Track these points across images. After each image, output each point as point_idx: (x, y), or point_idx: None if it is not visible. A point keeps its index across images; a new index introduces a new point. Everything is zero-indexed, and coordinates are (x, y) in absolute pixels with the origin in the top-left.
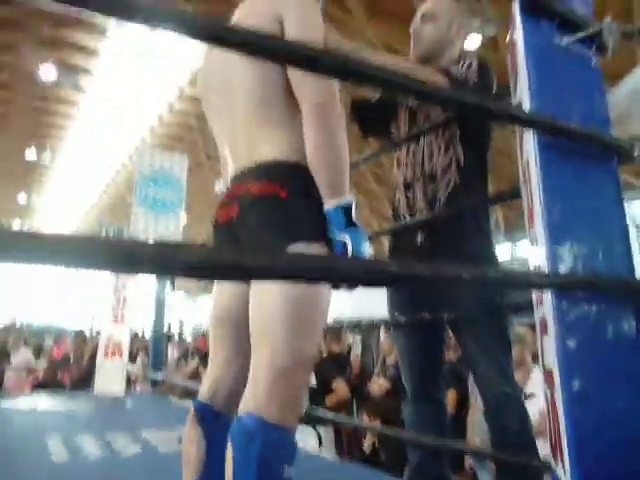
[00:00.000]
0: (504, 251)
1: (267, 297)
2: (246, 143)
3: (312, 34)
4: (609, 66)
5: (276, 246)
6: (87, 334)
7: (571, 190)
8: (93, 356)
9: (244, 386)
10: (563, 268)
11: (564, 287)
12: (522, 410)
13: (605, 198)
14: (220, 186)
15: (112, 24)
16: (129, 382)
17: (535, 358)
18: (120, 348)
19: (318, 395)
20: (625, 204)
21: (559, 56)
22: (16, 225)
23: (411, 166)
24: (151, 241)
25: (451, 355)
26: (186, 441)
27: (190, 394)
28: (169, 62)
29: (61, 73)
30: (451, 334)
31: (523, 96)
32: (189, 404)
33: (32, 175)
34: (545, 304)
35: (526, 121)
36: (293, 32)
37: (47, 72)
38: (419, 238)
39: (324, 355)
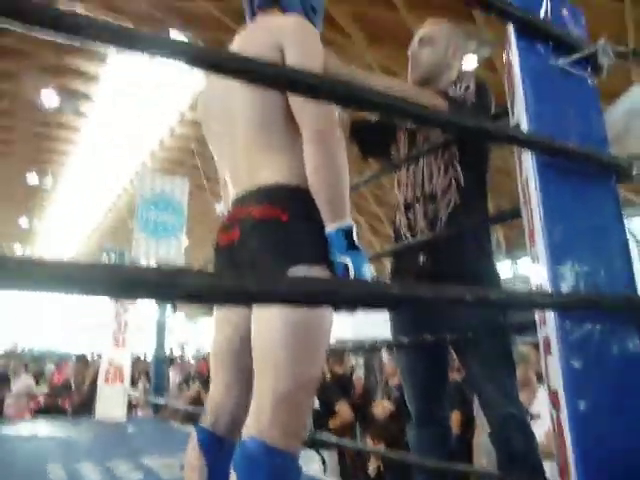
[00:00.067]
0: (505, 269)
1: (268, 322)
2: (247, 168)
3: (312, 61)
4: (605, 85)
5: (278, 269)
6: (89, 358)
7: (571, 209)
8: (94, 381)
9: (246, 411)
10: (565, 287)
11: (567, 307)
12: (528, 431)
13: (605, 216)
14: (221, 208)
15: (112, 50)
16: (130, 407)
17: (540, 378)
18: (121, 373)
19: (321, 418)
20: (625, 221)
21: (555, 77)
22: (17, 249)
23: (411, 187)
24: (152, 267)
25: (455, 376)
26: (188, 468)
27: (192, 419)
28: (170, 87)
29: (62, 99)
30: (454, 355)
31: (521, 117)
32: (191, 429)
33: (34, 199)
34: (548, 324)
35: (524, 142)
36: (294, 59)
37: (48, 98)
38: (421, 259)
39: (327, 377)
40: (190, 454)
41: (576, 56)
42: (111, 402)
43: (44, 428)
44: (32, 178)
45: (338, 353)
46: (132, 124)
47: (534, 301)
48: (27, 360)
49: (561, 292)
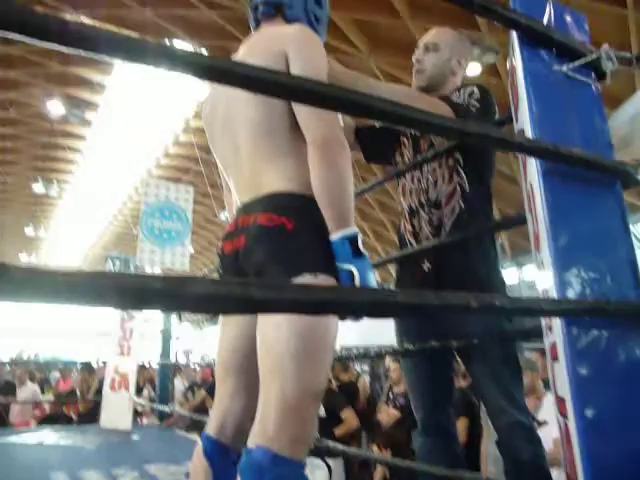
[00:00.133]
0: (511, 275)
1: (274, 331)
2: (251, 175)
3: (317, 70)
4: (609, 91)
5: (283, 278)
6: (94, 365)
7: (576, 215)
8: (100, 389)
9: (252, 419)
10: (571, 294)
11: (573, 313)
12: (535, 439)
13: (610, 222)
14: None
15: (119, 60)
16: (136, 415)
17: (547, 384)
18: (127, 380)
19: (327, 426)
20: (630, 226)
21: (559, 83)
22: (24, 258)
23: (416, 193)
24: (158, 276)
25: (462, 382)
26: (193, 476)
27: (198, 427)
28: (175, 94)
29: (68, 108)
30: (460, 362)
31: (525, 123)
32: (196, 437)
33: (40, 208)
34: (555, 330)
35: (529, 148)
36: (298, 68)
37: (54, 107)
38: (425, 265)
39: (332, 385)
40: (196, 462)
41: (580, 62)
42: (116, 410)
43: (49, 436)
44: (38, 186)
45: (343, 360)
46: (137, 132)
47: (540, 308)
48: (32, 368)
49: (568, 298)
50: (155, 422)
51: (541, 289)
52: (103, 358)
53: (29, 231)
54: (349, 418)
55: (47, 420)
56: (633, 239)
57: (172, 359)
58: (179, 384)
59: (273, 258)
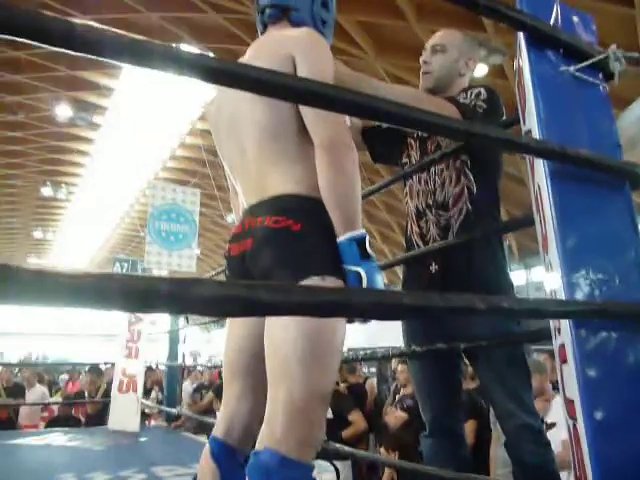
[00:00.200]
0: (518, 276)
1: (281, 332)
2: (258, 177)
3: (324, 72)
4: (617, 92)
5: (290, 280)
6: (102, 367)
7: (584, 216)
8: (108, 391)
9: (259, 421)
10: (580, 295)
11: (581, 315)
12: (544, 441)
13: (619, 223)
14: (232, 218)
15: (127, 64)
16: (144, 417)
17: (555, 386)
18: (134, 383)
19: (335, 428)
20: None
21: (567, 84)
22: (32, 261)
23: (423, 195)
24: (164, 278)
25: (470, 385)
26: (201, 478)
27: (205, 429)
28: (181, 97)
29: (76, 111)
30: (468, 364)
31: (532, 124)
32: (204, 439)
33: (48, 211)
34: (563, 332)
35: (536, 149)
36: (305, 71)
37: (62, 111)
38: (433, 267)
39: (340, 387)
40: (203, 464)
41: (587, 63)
42: (124, 412)
43: (57, 438)
44: (46, 190)
45: (351, 362)
46: (144, 135)
47: (549, 309)
48: (41, 370)
49: (576, 300)
50: (163, 424)
51: (549, 291)
52: (111, 360)
53: (37, 234)
54: (357, 420)
55: (55, 422)
56: None
57: (180, 361)
58: (187, 386)
59: (280, 260)
